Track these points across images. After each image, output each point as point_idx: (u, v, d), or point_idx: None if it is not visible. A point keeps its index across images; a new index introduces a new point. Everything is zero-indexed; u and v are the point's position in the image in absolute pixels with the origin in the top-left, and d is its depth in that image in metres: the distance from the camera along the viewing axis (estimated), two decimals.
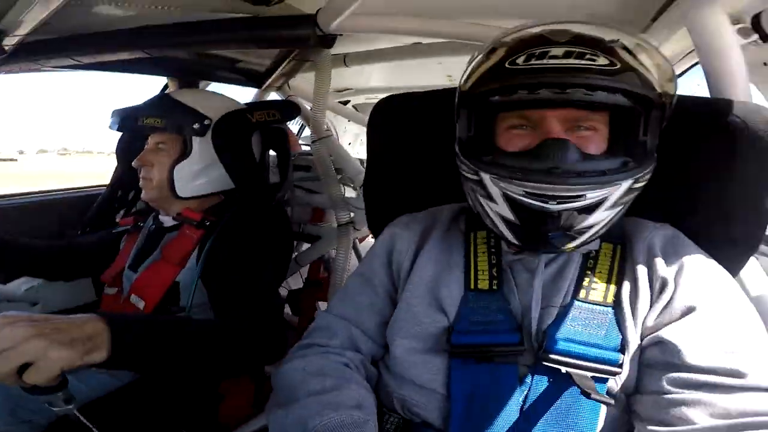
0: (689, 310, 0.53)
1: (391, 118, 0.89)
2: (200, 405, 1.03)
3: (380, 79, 1.87)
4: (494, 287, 0.62)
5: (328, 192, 1.41)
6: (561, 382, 0.55)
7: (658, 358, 0.53)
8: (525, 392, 0.56)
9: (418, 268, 0.67)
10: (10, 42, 0.78)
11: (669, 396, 0.50)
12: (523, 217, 0.57)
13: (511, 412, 0.55)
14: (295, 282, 1.84)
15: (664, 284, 0.56)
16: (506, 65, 0.56)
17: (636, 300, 0.57)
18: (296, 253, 1.63)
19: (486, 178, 0.58)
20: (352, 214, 1.42)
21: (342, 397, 0.57)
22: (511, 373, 0.57)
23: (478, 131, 0.64)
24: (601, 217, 0.56)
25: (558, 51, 0.54)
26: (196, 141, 1.05)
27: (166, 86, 1.56)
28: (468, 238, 0.68)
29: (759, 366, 0.48)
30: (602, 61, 0.53)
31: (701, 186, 0.68)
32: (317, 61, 1.26)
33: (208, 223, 1.03)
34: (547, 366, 0.55)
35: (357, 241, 1.73)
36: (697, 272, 0.57)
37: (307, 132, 2.15)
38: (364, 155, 1.56)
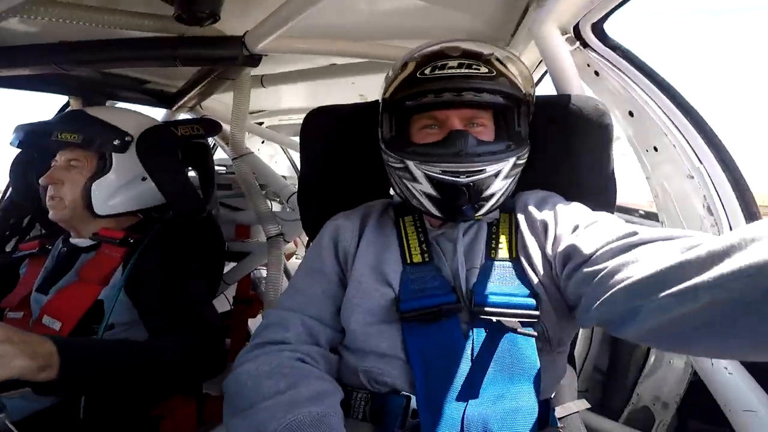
0: (575, 227, 0.68)
1: (322, 128, 0.98)
2: (143, 425, 0.99)
3: (294, 100, 1.96)
4: (426, 259, 0.74)
5: (255, 207, 1.44)
6: (496, 331, 0.65)
7: (573, 265, 0.62)
8: (471, 344, 0.65)
9: (361, 251, 0.77)
10: None
11: (594, 269, 0.57)
12: (442, 192, 0.72)
13: (463, 363, 0.64)
14: (221, 305, 1.80)
15: (545, 224, 0.72)
16: (417, 75, 0.73)
17: (529, 250, 0.71)
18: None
19: (411, 164, 0.73)
20: (280, 227, 1.47)
21: (298, 395, 0.58)
22: (454, 328, 0.66)
23: (398, 131, 0.80)
24: (498, 187, 0.73)
25: (453, 63, 0.73)
26: (115, 157, 1.04)
27: (66, 104, 1.46)
28: (398, 223, 0.80)
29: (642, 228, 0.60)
30: (484, 69, 0.72)
31: (559, 163, 0.88)
32: (238, 80, 1.32)
33: (131, 240, 1.02)
34: (482, 318, 0.65)
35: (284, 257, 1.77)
36: (566, 206, 0.74)
37: (219, 153, 2.12)
38: (280, 173, 1.63)
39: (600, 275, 0.56)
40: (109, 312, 0.94)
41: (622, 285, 0.50)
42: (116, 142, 1.03)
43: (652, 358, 1.06)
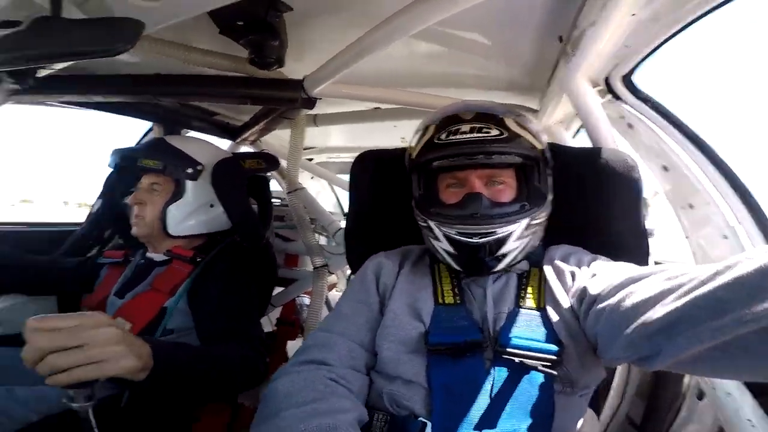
0: (593, 274, 0.74)
1: (370, 170, 1.07)
2: (177, 423, 1.06)
3: (342, 139, 2.12)
4: (457, 301, 0.80)
5: (304, 239, 1.55)
6: (517, 371, 0.69)
7: (586, 306, 0.68)
8: (491, 381, 0.69)
9: (398, 287, 0.85)
10: (41, 73, 0.91)
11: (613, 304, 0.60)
12: (459, 250, 0.80)
13: (481, 398, 0.68)
14: (265, 325, 1.91)
15: (573, 274, 0.78)
16: (435, 141, 0.82)
17: (556, 300, 0.75)
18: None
19: (432, 224, 0.82)
20: (326, 259, 1.57)
21: (318, 408, 0.64)
22: (478, 365, 0.71)
23: (427, 188, 0.89)
24: (513, 246, 0.79)
25: (466, 128, 0.80)
26: (188, 184, 1.18)
27: (150, 130, 1.69)
28: (433, 269, 0.88)
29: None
30: (494, 132, 0.79)
31: (592, 215, 0.90)
32: (295, 120, 1.47)
33: (199, 260, 1.14)
34: (504, 358, 0.70)
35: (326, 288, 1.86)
36: (590, 257, 0.81)
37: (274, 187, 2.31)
38: (328, 209, 1.75)
39: (608, 311, 0.60)
40: (169, 317, 1.05)
41: (636, 324, 0.53)
42: (189, 171, 1.17)
43: (682, 413, 1.00)
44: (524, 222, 0.78)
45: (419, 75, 1.25)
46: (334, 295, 2.32)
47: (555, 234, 0.88)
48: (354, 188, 1.10)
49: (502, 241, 0.77)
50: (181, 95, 1.22)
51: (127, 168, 1.25)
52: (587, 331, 0.68)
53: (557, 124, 1.35)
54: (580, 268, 0.77)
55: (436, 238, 0.82)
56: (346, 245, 1.11)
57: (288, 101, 1.21)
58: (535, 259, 0.84)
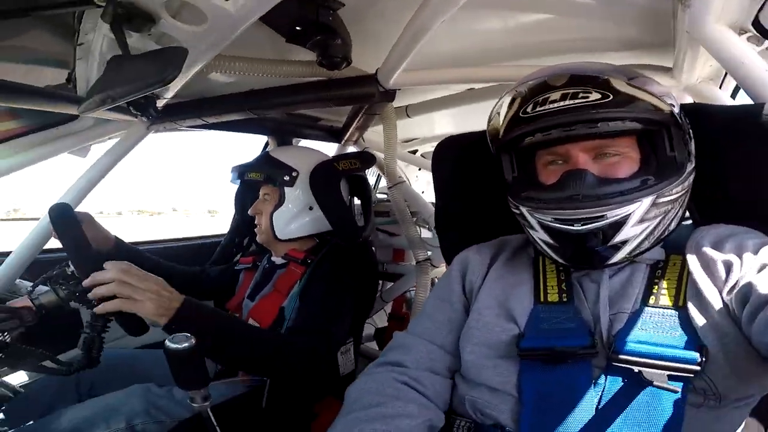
0: (762, 266, 0.57)
1: (451, 157, 1.00)
2: (297, 418, 1.17)
3: (444, 126, 2.04)
4: (564, 299, 0.69)
5: (405, 233, 1.55)
6: (636, 382, 0.59)
7: (752, 308, 0.53)
8: (599, 392, 0.60)
9: (487, 285, 0.76)
10: (160, 104, 1.08)
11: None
12: (558, 240, 0.66)
13: (584, 412, 0.59)
14: (381, 320, 2.01)
15: (728, 265, 0.60)
16: (520, 114, 0.68)
17: (702, 296, 0.60)
18: (380, 292, 1.77)
19: (524, 211, 0.70)
20: (429, 253, 1.55)
21: (379, 412, 0.64)
22: (584, 374, 0.61)
23: (522, 170, 0.76)
24: (635, 231, 0.63)
25: (556, 95, 0.65)
26: (287, 191, 1.26)
27: (267, 144, 1.90)
28: (537, 261, 0.76)
29: None
30: (594, 96, 0.63)
31: (758, 186, 0.70)
32: (383, 114, 1.46)
33: (309, 261, 1.23)
34: (620, 367, 0.59)
35: (436, 279, 1.84)
36: (758, 242, 0.60)
37: (383, 182, 2.36)
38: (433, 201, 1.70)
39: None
40: (289, 316, 1.15)
41: None
42: (286, 178, 1.26)
43: None
44: (647, 200, 0.62)
45: (515, 48, 1.12)
46: None
47: (713, 210, 0.71)
48: (437, 177, 1.03)
49: (618, 226, 0.63)
50: (273, 107, 1.32)
51: (241, 183, 1.41)
52: (753, 337, 0.53)
53: (705, 82, 1.08)
54: (741, 256, 0.59)
55: (532, 227, 0.70)
56: (438, 237, 1.07)
57: (366, 97, 1.20)
58: (674, 244, 0.68)
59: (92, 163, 1.29)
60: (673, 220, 0.67)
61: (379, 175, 2.46)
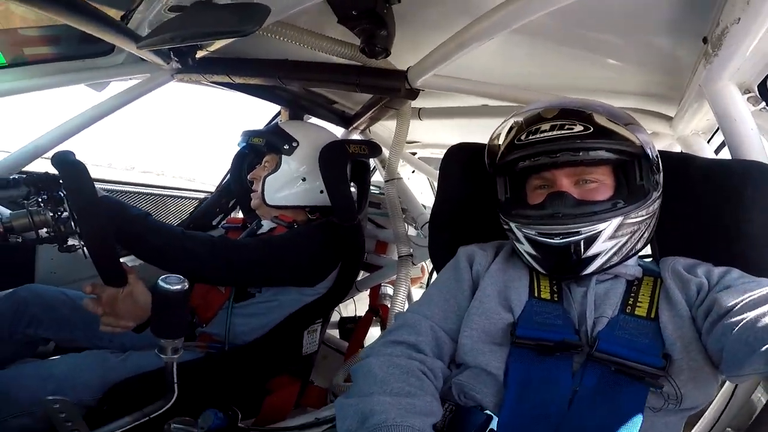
0: (727, 287, 0.68)
1: (461, 163, 1.06)
2: (251, 390, 1.22)
3: (446, 136, 2.13)
4: (555, 298, 0.78)
5: (393, 227, 1.62)
6: (609, 380, 0.67)
7: (712, 319, 0.64)
8: (576, 385, 0.68)
9: (490, 276, 0.84)
10: (200, 54, 1.11)
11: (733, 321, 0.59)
12: (540, 252, 0.77)
13: (559, 401, 0.66)
14: (346, 311, 2.07)
15: (700, 285, 0.71)
16: (515, 141, 0.79)
17: (674, 311, 0.70)
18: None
19: (513, 226, 0.81)
20: (411, 249, 1.63)
21: (414, 406, 0.62)
22: (566, 367, 0.69)
23: (514, 193, 0.87)
24: (605, 247, 0.74)
25: (546, 126, 0.76)
26: (284, 159, 1.32)
27: (278, 114, 1.93)
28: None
29: None
30: (578, 128, 0.74)
31: (723, 232, 0.81)
32: (401, 110, 1.54)
33: (295, 225, 1.29)
34: (597, 364, 0.67)
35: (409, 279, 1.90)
36: (725, 270, 0.73)
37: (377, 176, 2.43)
38: (423, 203, 1.79)
39: (743, 324, 0.57)
40: None
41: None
42: (285, 147, 1.32)
43: None
44: (616, 220, 0.74)
45: (536, 74, 1.21)
46: (417, 291, 2.35)
47: (678, 243, 0.83)
48: (443, 178, 1.10)
49: (591, 241, 0.73)
50: (302, 80, 1.38)
51: (249, 146, 1.46)
52: (709, 345, 0.64)
53: (697, 135, 1.20)
54: (709, 280, 0.72)
55: (519, 241, 0.80)
56: (429, 234, 1.13)
57: (392, 90, 1.28)
58: (648, 267, 0.80)
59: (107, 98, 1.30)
60: (639, 240, 0.78)
61: (374, 167, 2.53)
